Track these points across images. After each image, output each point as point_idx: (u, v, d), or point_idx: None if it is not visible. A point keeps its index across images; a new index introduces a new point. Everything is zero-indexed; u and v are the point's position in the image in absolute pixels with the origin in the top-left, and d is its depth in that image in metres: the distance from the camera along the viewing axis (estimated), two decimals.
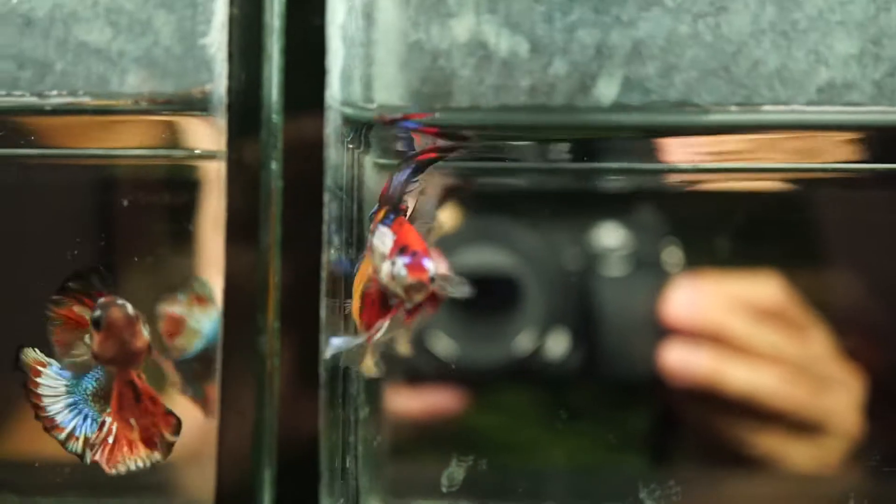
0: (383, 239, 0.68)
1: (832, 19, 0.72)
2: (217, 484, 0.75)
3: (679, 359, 0.92)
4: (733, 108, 0.71)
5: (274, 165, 0.73)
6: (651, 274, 0.94)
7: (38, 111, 0.75)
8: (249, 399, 0.75)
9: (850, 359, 0.91)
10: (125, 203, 0.87)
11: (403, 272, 0.65)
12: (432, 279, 0.65)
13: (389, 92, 0.73)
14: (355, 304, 0.70)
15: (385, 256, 0.67)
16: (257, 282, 0.74)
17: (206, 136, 0.77)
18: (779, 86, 0.72)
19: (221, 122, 0.73)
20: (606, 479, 0.92)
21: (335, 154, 0.72)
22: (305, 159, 0.72)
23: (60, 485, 0.88)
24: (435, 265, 0.65)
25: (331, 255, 0.72)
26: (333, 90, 0.71)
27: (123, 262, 0.89)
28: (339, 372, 0.79)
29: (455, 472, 0.88)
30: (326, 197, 0.71)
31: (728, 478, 0.93)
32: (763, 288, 0.91)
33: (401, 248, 0.66)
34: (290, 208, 0.73)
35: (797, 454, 0.91)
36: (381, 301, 0.68)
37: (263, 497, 0.76)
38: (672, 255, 0.93)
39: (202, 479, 0.78)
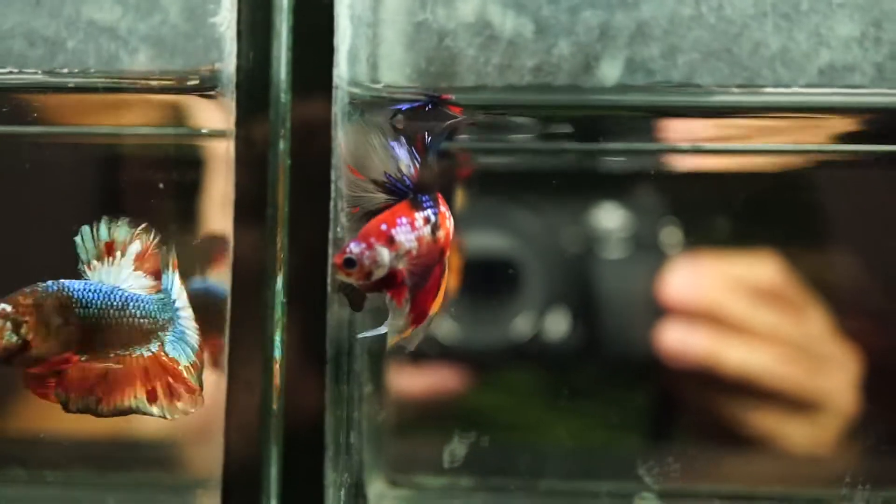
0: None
1: (834, 2, 0.73)
2: (225, 458, 0.76)
3: (676, 339, 0.93)
4: (735, 89, 0.72)
5: (282, 144, 0.74)
6: (650, 255, 0.95)
7: (51, 89, 0.77)
8: (256, 376, 0.76)
9: (850, 339, 0.92)
10: (131, 181, 0.88)
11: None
12: (349, 261, 0.65)
13: (396, 71, 0.74)
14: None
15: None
16: (265, 258, 0.75)
17: (214, 114, 0.78)
18: (780, 68, 0.73)
19: (230, 100, 0.74)
20: (605, 457, 0.93)
21: (342, 133, 0.73)
22: (313, 138, 0.73)
23: (67, 459, 0.89)
24: (362, 249, 0.66)
25: (337, 231, 0.73)
26: (341, 69, 0.72)
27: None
28: (343, 349, 0.81)
29: (457, 448, 0.89)
30: (333, 175, 0.72)
31: (726, 456, 0.94)
32: (761, 268, 0.92)
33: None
34: (297, 186, 0.74)
35: (794, 433, 0.92)
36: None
37: (270, 471, 0.77)
38: (671, 235, 0.94)
39: (208, 455, 0.79)
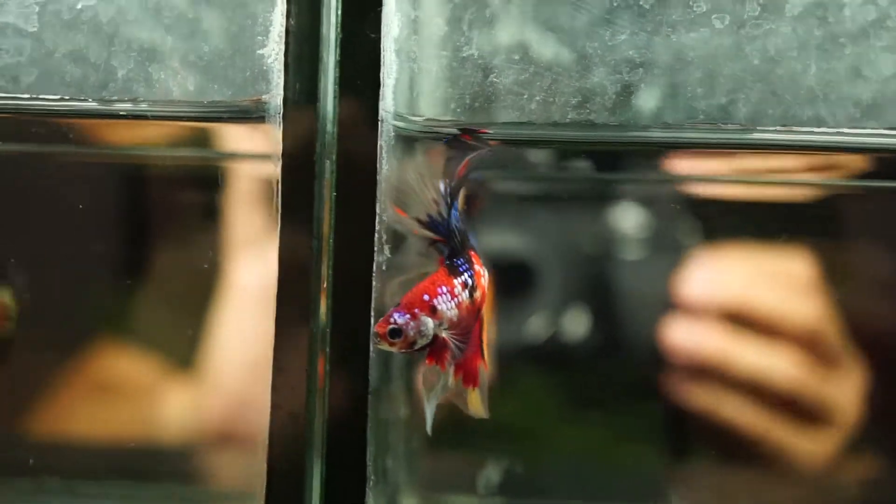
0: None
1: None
2: (268, 470, 0.77)
3: (685, 338, 0.91)
4: (776, 127, 0.73)
5: (328, 175, 0.75)
6: (670, 258, 0.94)
7: (102, 116, 0.78)
8: (301, 389, 0.77)
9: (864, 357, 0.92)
10: (169, 201, 0.90)
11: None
12: (394, 332, 0.68)
13: (440, 105, 0.75)
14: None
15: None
16: (309, 289, 0.76)
17: (262, 142, 0.80)
18: (821, 103, 0.74)
19: (277, 130, 0.75)
20: (628, 475, 0.94)
21: (387, 166, 0.74)
22: (359, 170, 0.74)
23: (101, 469, 0.91)
24: (407, 319, 0.68)
25: (380, 262, 0.74)
26: (387, 103, 0.73)
27: (160, 259, 0.91)
28: (384, 378, 0.82)
29: (491, 475, 0.90)
30: (378, 208, 0.73)
31: (736, 462, 0.94)
32: (792, 261, 0.90)
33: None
34: (342, 218, 0.75)
35: (802, 443, 0.92)
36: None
37: (313, 483, 0.78)
38: (692, 240, 0.93)
39: (247, 467, 0.80)
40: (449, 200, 0.69)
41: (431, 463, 0.92)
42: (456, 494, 0.93)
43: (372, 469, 0.76)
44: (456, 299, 0.69)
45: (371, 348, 0.76)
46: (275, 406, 0.74)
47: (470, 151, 0.75)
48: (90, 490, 0.91)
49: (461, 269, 0.70)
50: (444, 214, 0.69)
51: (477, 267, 0.71)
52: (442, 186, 0.69)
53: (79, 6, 0.77)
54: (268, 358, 0.76)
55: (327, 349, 0.76)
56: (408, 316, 0.68)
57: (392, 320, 0.67)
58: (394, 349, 0.68)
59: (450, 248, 0.71)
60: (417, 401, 0.89)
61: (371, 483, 0.78)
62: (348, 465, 0.75)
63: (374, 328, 0.68)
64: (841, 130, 0.74)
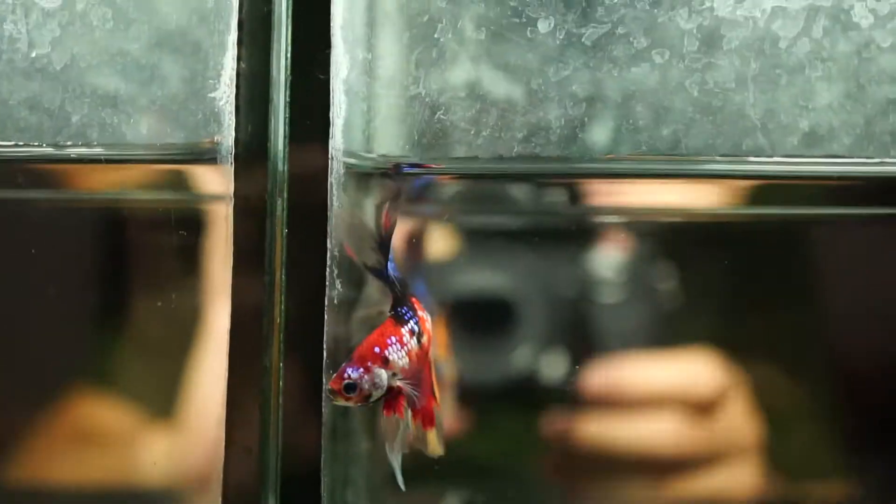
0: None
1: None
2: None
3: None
4: (719, 157, 0.75)
5: (279, 211, 0.77)
6: (646, 301, 0.96)
7: (56, 161, 0.79)
8: (254, 431, 0.78)
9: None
10: (133, 243, 0.91)
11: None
12: (350, 386, 0.69)
13: (390, 143, 0.77)
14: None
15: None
16: (263, 318, 0.77)
17: (214, 181, 0.81)
18: (761, 136, 0.76)
19: (229, 170, 0.76)
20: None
21: (337, 202, 0.76)
22: (310, 206, 0.76)
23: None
24: (360, 373, 0.69)
25: (333, 294, 0.75)
26: (336, 141, 0.75)
27: (134, 300, 0.92)
28: (339, 408, 0.83)
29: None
30: (329, 243, 0.74)
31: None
32: (694, 374, 0.92)
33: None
34: (294, 252, 0.76)
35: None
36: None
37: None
38: (667, 282, 0.95)
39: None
40: (383, 252, 0.70)
41: (393, 497, 0.93)
42: None
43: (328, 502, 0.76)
44: (405, 347, 0.71)
45: (324, 384, 0.76)
46: (229, 442, 0.75)
47: (401, 190, 0.77)
48: None
49: (406, 318, 0.72)
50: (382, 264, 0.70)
51: (420, 312, 0.73)
52: (375, 238, 0.71)
53: (33, 54, 0.79)
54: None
55: (280, 383, 0.76)
56: (361, 370, 0.69)
57: (346, 375, 0.69)
58: (350, 403, 0.69)
59: (392, 298, 0.72)
60: (376, 436, 0.90)
61: None
62: (303, 500, 0.76)
63: (327, 385, 0.70)
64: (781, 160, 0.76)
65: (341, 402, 0.69)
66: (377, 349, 0.70)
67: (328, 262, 0.75)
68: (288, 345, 0.77)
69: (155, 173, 0.84)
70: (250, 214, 0.76)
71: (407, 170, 0.77)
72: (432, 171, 0.78)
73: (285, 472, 0.76)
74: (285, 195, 0.76)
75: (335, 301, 0.75)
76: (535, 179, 0.79)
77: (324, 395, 0.74)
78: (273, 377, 0.76)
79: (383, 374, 0.70)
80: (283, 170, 0.76)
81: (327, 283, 0.75)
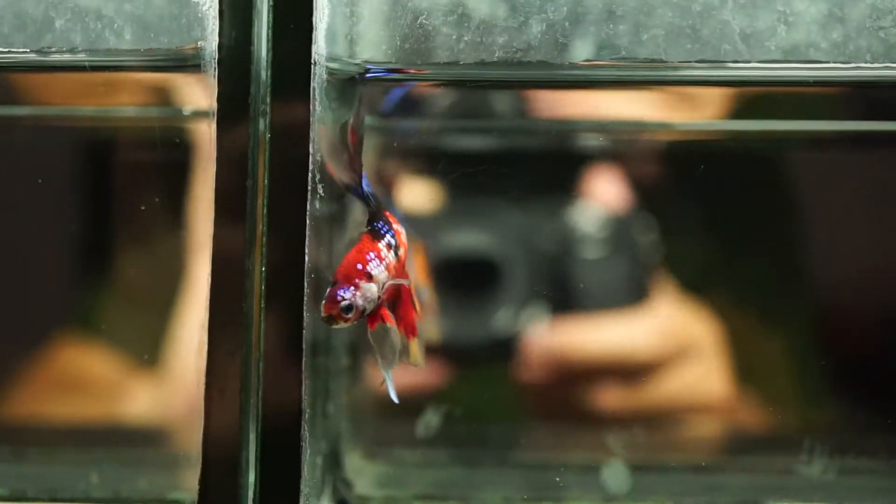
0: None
1: None
2: (204, 434, 0.77)
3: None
4: (698, 63, 0.76)
5: (262, 120, 0.77)
6: (628, 253, 0.97)
7: (39, 68, 0.79)
8: (236, 355, 0.77)
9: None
10: (118, 162, 0.91)
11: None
12: (347, 307, 0.70)
13: (373, 48, 0.77)
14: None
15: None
16: (245, 233, 0.77)
17: (199, 94, 0.81)
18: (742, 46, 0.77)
19: (213, 81, 0.76)
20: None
21: (320, 108, 0.76)
22: (292, 113, 0.76)
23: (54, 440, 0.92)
24: (352, 292, 0.69)
25: (315, 204, 0.75)
26: (320, 46, 0.75)
27: (116, 221, 0.93)
28: (321, 327, 0.83)
29: (432, 420, 0.92)
30: (312, 148, 0.75)
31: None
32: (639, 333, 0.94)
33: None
34: (277, 159, 0.77)
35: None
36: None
37: (249, 443, 0.78)
38: (648, 232, 0.96)
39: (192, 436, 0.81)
40: (354, 167, 0.71)
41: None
42: (400, 447, 0.94)
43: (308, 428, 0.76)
44: (384, 262, 0.72)
45: (304, 296, 0.76)
46: (210, 369, 0.75)
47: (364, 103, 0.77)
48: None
49: (382, 232, 0.73)
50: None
51: (395, 226, 0.74)
52: (345, 157, 0.72)
53: None
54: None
55: (262, 287, 0.76)
56: (352, 288, 0.70)
57: (339, 297, 0.69)
58: (348, 324, 0.70)
59: (368, 214, 0.73)
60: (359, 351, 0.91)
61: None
62: (284, 431, 0.75)
63: (322, 312, 0.70)
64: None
65: (340, 325, 0.70)
66: (359, 266, 0.71)
67: (310, 165, 0.75)
68: (270, 254, 0.77)
69: (139, 84, 0.84)
70: (233, 116, 0.75)
71: (379, 74, 0.78)
72: (409, 76, 0.78)
73: (266, 418, 0.76)
74: (268, 100, 0.76)
75: (316, 206, 0.76)
76: (515, 86, 0.79)
77: (304, 298, 0.74)
78: (255, 281, 0.76)
79: (373, 288, 0.71)
80: (267, 74, 0.76)
81: (309, 186, 0.75)
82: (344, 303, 0.69)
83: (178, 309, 0.90)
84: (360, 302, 0.70)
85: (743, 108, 0.85)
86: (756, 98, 0.83)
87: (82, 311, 0.94)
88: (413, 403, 0.92)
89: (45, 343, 0.93)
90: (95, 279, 0.94)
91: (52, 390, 0.94)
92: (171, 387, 0.92)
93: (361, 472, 0.92)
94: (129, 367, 0.93)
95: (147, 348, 0.92)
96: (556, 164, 0.93)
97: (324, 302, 0.70)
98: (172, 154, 0.87)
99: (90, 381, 0.94)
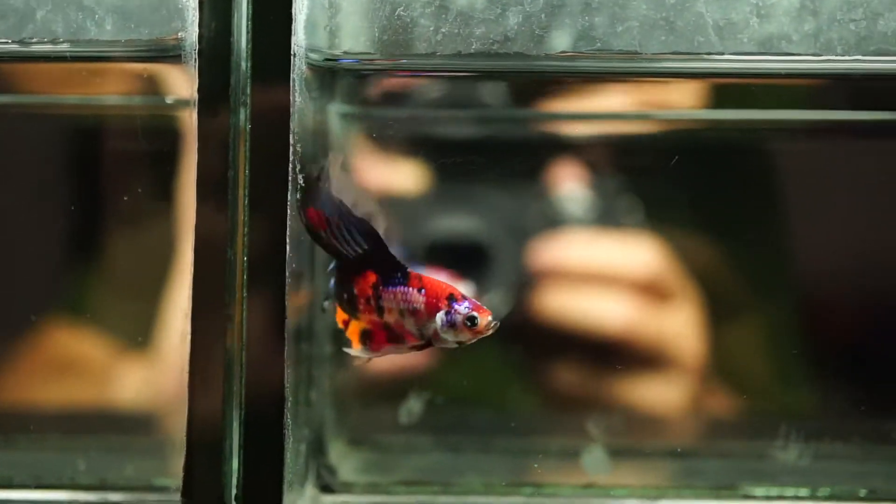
0: (408, 297, 0.74)
1: None
2: (188, 421, 0.77)
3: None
4: (673, 55, 0.76)
5: (242, 111, 0.77)
6: (612, 231, 0.97)
7: (20, 58, 0.80)
8: (219, 342, 0.78)
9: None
10: (102, 150, 0.92)
11: (472, 317, 0.72)
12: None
13: (353, 40, 0.78)
14: (353, 332, 0.76)
15: (419, 312, 0.73)
16: (226, 222, 0.77)
17: (179, 83, 0.82)
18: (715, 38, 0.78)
19: (194, 71, 0.77)
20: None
21: (300, 99, 0.77)
22: (272, 103, 0.77)
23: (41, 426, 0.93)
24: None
25: (296, 193, 0.76)
26: (299, 37, 0.76)
27: (102, 210, 0.93)
28: (303, 314, 0.84)
29: (414, 407, 0.93)
30: (292, 139, 0.75)
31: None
32: (635, 254, 0.94)
33: (449, 297, 0.72)
34: (258, 148, 0.77)
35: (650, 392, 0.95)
36: (389, 336, 0.75)
37: (233, 430, 0.79)
38: (632, 210, 0.97)
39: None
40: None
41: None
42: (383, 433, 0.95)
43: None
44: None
45: (286, 284, 0.77)
46: (193, 357, 0.76)
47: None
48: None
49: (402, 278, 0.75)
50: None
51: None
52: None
53: None
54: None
55: (244, 275, 0.77)
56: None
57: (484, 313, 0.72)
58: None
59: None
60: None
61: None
62: (267, 418, 0.76)
63: (490, 320, 0.72)
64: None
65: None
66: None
67: (290, 156, 0.76)
68: (252, 246, 0.77)
69: (121, 74, 0.85)
70: (213, 107, 0.76)
71: (350, 62, 0.79)
72: (384, 66, 0.79)
73: (250, 378, 0.77)
74: (248, 91, 0.77)
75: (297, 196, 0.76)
76: (493, 77, 0.80)
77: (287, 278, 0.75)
78: (237, 262, 0.77)
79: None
80: (247, 66, 0.77)
81: (290, 175, 0.76)
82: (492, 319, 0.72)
83: (165, 295, 0.91)
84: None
85: (717, 99, 0.86)
86: (730, 89, 0.84)
87: (69, 297, 0.95)
88: (398, 388, 0.93)
89: (31, 329, 0.94)
90: (81, 265, 0.95)
91: (38, 375, 0.94)
92: (158, 372, 0.93)
93: (345, 458, 0.93)
94: (116, 353, 0.94)
95: (135, 334, 0.93)
96: (534, 154, 0.94)
97: (469, 307, 0.72)
98: (157, 143, 0.88)
99: (77, 366, 0.95)
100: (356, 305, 0.75)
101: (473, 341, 0.72)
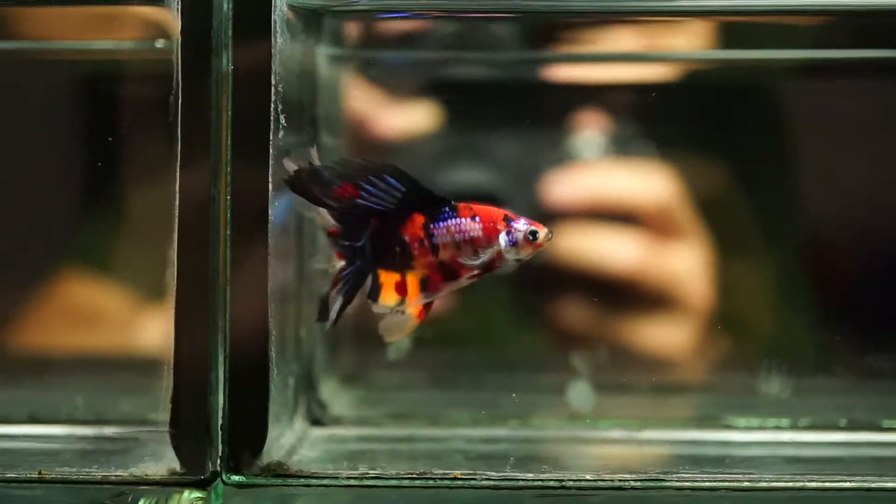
0: (462, 227, 0.75)
1: None
2: (175, 354, 0.79)
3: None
4: None
5: (225, 52, 0.78)
6: (623, 167, 0.98)
7: (7, 2, 0.81)
8: (204, 279, 0.79)
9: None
10: (95, 95, 0.93)
11: (533, 231, 0.74)
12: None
13: None
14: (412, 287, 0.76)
15: (478, 239, 0.74)
16: (210, 164, 0.79)
17: (161, 25, 0.83)
18: None
19: (175, 11, 0.78)
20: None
21: (283, 41, 0.77)
22: (254, 45, 0.77)
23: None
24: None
25: (279, 138, 0.77)
26: None
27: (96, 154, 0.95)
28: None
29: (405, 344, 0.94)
30: (274, 79, 0.76)
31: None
32: (646, 190, 0.96)
33: (505, 217, 0.74)
34: (240, 91, 0.78)
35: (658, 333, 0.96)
36: (445, 274, 0.75)
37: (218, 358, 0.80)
38: (646, 149, 0.97)
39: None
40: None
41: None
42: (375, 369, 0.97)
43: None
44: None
45: (268, 223, 0.78)
46: (179, 295, 0.77)
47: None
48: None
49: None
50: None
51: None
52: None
53: None
54: None
55: (228, 214, 0.78)
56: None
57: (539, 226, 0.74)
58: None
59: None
60: None
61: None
62: (252, 353, 0.78)
63: (539, 232, 0.74)
64: None
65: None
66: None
67: (272, 97, 0.77)
68: (235, 183, 0.78)
69: (105, 17, 0.86)
70: (197, 49, 0.77)
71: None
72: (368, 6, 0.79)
73: (233, 342, 0.78)
74: (230, 32, 0.78)
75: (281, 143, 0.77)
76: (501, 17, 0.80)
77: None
78: (221, 207, 0.78)
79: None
80: (228, 8, 0.78)
81: (271, 119, 0.77)
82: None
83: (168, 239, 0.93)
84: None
85: (726, 38, 0.87)
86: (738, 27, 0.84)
87: (74, 245, 0.97)
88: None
89: (35, 276, 0.96)
90: (84, 212, 0.97)
91: (45, 321, 0.96)
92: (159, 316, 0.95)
93: (336, 394, 0.95)
94: (122, 298, 0.96)
95: (136, 278, 0.95)
96: (543, 95, 0.95)
97: (526, 223, 0.74)
98: (146, 88, 0.89)
99: (83, 311, 0.96)
100: (410, 253, 0.75)
101: (531, 256, 0.74)
